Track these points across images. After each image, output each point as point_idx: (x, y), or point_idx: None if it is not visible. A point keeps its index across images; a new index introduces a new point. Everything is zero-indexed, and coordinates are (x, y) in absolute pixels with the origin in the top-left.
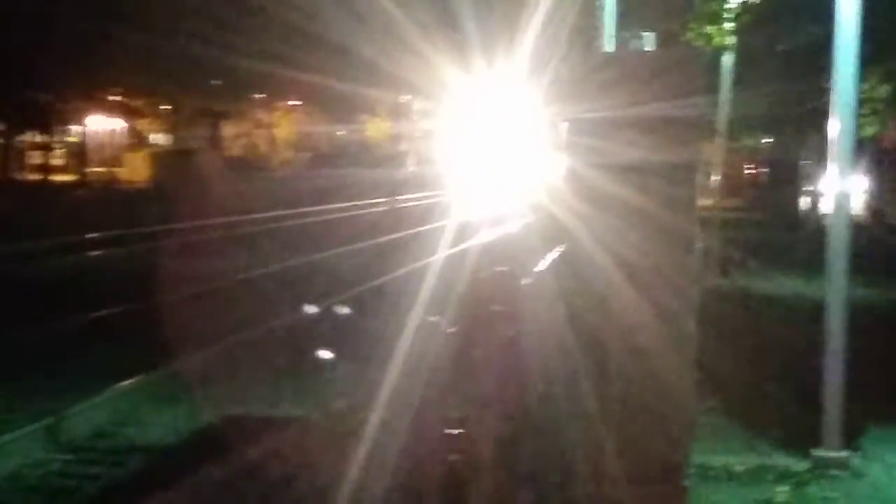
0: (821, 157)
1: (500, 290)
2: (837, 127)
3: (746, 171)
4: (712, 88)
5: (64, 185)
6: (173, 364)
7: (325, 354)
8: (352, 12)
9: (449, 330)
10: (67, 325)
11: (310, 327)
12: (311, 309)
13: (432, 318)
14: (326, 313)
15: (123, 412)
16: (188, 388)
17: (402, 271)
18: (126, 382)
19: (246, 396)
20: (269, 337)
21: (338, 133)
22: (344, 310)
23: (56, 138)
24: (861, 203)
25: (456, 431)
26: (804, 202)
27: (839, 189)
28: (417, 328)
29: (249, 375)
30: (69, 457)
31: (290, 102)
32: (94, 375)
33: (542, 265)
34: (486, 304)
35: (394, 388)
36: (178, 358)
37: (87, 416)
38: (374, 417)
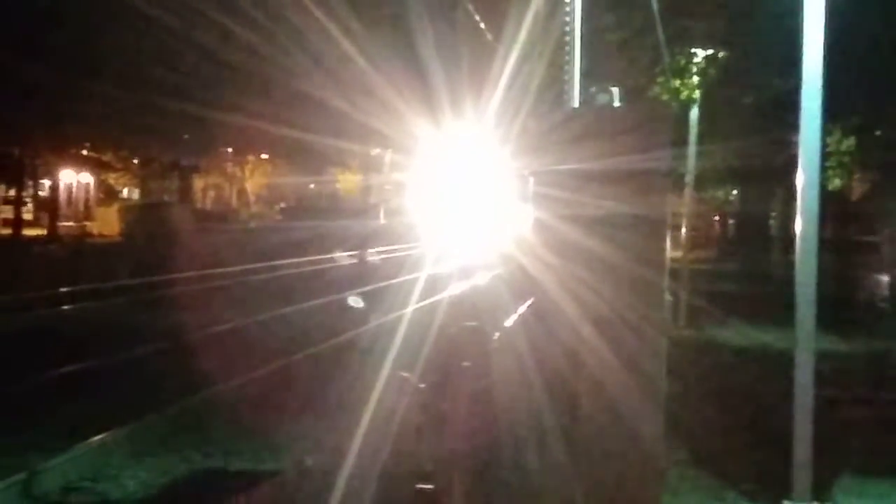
0: (788, 209)
1: (470, 345)
2: (803, 179)
3: (715, 223)
4: (680, 141)
5: (35, 239)
6: (144, 419)
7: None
8: (322, 66)
9: (420, 385)
10: (40, 379)
11: (278, 383)
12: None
13: (403, 374)
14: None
15: (96, 467)
16: (159, 443)
17: (371, 325)
18: (98, 437)
19: (214, 453)
20: (241, 391)
21: (309, 186)
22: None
23: (27, 192)
24: None
25: (427, 486)
26: (774, 254)
27: (806, 241)
28: (388, 383)
29: (219, 432)
30: None
31: (261, 155)
32: (68, 430)
33: (512, 319)
34: (456, 360)
35: (365, 442)
36: (148, 413)
37: (60, 471)
38: (346, 472)
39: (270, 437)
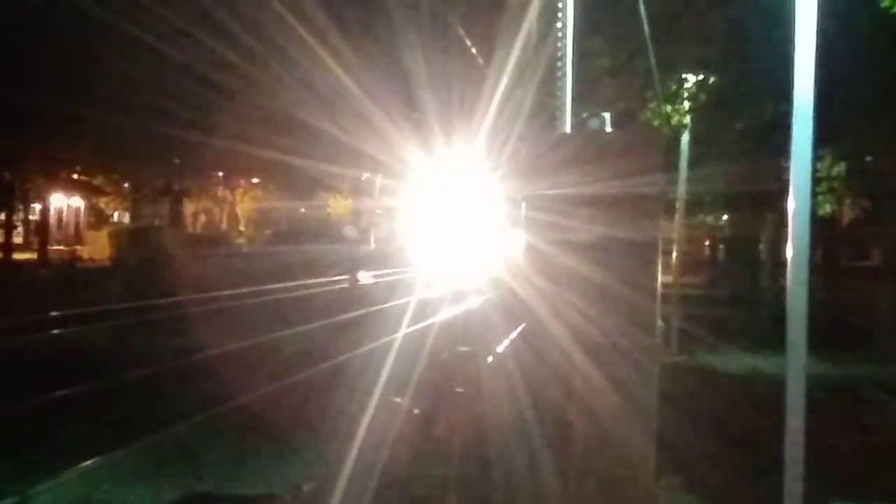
0: (778, 234)
1: (462, 371)
2: (794, 205)
3: (705, 248)
4: (671, 166)
5: (25, 263)
6: (135, 443)
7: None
8: (312, 91)
9: (414, 411)
10: (31, 403)
11: (271, 407)
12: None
13: (396, 399)
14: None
15: (87, 491)
16: (150, 467)
17: (362, 350)
18: (89, 462)
19: (206, 477)
20: (233, 415)
21: (299, 210)
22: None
23: (17, 216)
24: None
25: None
26: (764, 279)
27: (797, 267)
28: (380, 408)
29: (212, 455)
30: None
31: (252, 180)
32: (59, 454)
33: (504, 344)
34: (449, 385)
35: (358, 467)
36: (137, 438)
37: (51, 496)
38: (339, 497)
39: (262, 462)
